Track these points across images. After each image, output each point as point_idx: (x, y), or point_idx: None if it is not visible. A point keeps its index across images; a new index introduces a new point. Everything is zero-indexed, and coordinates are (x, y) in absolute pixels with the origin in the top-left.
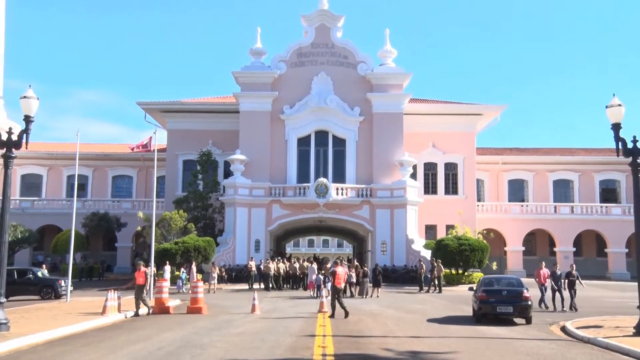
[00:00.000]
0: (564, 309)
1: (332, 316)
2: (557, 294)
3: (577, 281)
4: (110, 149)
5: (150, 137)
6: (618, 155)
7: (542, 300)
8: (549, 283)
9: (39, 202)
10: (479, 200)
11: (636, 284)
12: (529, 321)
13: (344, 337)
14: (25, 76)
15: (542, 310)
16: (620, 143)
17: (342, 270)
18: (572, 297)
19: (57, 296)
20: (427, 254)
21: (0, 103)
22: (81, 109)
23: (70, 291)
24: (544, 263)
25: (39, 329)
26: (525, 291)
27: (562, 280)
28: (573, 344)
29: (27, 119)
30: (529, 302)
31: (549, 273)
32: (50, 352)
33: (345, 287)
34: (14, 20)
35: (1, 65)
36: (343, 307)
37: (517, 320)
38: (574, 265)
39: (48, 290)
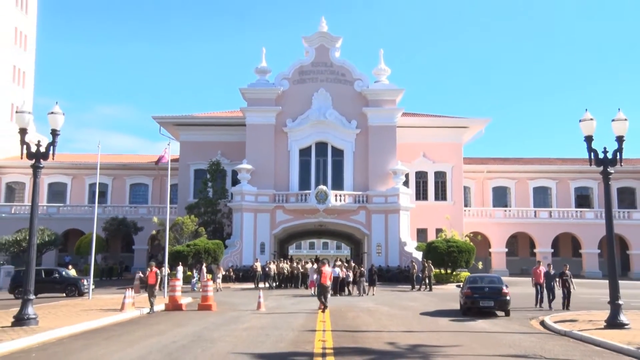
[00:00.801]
0: (551, 307)
1: (325, 308)
2: (551, 293)
3: (569, 280)
4: (128, 159)
5: (165, 150)
6: (591, 165)
7: (540, 300)
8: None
9: (64, 208)
10: (465, 205)
11: (607, 281)
12: (507, 314)
13: (342, 331)
14: (53, 93)
15: (539, 309)
16: (592, 154)
17: (327, 270)
18: (566, 296)
19: (81, 294)
20: (418, 255)
21: (29, 118)
22: (102, 123)
23: (92, 289)
24: (541, 262)
25: (65, 323)
26: (504, 288)
27: (556, 280)
28: (551, 336)
29: (54, 133)
30: (508, 298)
31: (545, 272)
32: (75, 345)
33: (342, 285)
34: (43, 45)
35: (31, 84)
36: (324, 301)
37: (498, 312)
38: (567, 265)
39: (72, 289)
